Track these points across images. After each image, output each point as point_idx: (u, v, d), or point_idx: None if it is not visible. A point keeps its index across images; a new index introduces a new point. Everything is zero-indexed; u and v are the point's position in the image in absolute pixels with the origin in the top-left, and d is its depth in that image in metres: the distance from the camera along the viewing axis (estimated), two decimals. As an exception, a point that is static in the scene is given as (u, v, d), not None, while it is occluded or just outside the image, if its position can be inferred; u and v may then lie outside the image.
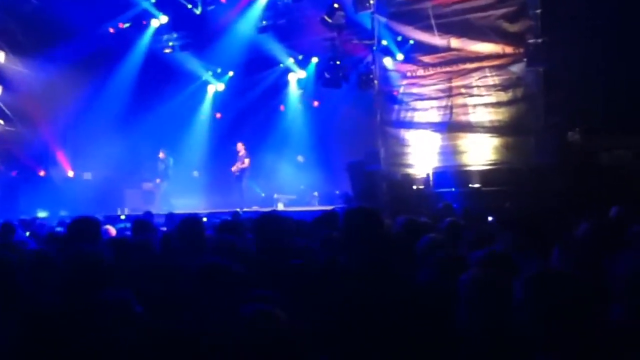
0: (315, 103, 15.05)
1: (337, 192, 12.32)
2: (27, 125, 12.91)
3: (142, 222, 5.59)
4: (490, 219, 5.80)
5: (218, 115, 15.85)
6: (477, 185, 9.20)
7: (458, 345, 2.11)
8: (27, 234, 6.49)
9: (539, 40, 9.02)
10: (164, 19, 13.89)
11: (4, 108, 12.86)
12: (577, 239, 2.94)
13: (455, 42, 9.79)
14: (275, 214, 4.17)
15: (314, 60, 14.59)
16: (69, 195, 12.02)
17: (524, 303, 1.84)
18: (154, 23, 14.04)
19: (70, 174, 13.77)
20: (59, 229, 6.50)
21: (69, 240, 3.72)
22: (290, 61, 15.02)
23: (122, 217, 9.99)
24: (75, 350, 2.24)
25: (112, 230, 5.85)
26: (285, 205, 13.27)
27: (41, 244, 5.11)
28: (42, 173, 13.28)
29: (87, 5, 12.60)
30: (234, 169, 13.01)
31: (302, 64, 15.07)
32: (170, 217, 7.95)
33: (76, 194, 12.23)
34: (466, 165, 9.58)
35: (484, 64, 9.56)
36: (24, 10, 12.69)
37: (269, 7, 13.42)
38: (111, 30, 13.94)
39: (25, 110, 12.74)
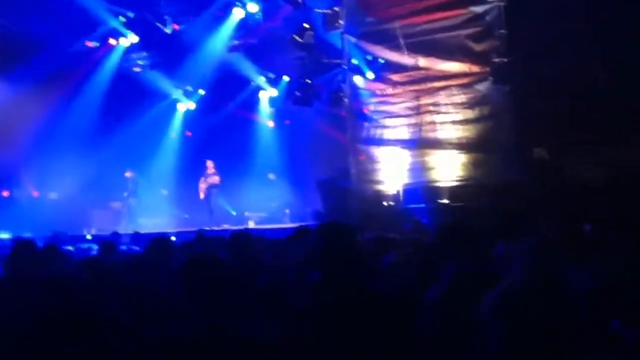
0: (287, 122, 15.11)
1: (309, 209, 12.32)
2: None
3: (109, 243, 5.53)
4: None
5: (188, 133, 15.75)
6: (445, 201, 9.31)
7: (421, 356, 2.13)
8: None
9: (504, 60, 9.25)
10: (133, 38, 13.82)
11: (-35, 127, 12.54)
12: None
13: (423, 61, 9.97)
14: (247, 232, 4.15)
15: (285, 78, 14.69)
16: (34, 216, 11.73)
17: (490, 319, 1.86)
18: (124, 42, 13.95)
19: (35, 194, 13.46)
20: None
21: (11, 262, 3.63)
22: (261, 79, 15.09)
23: (88, 237, 9.79)
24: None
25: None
26: (256, 223, 13.20)
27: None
28: (5, 193, 12.94)
29: (55, 23, 12.44)
30: (200, 188, 12.86)
31: (274, 83, 15.15)
32: (136, 236, 7.83)
33: (42, 214, 11.95)
34: (435, 182, 9.70)
35: (451, 82, 9.74)
36: (-11, 27, 12.47)
37: (239, 27, 13.52)
38: (79, 48, 13.77)
39: (-11, 128, 12.44)
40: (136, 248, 5.86)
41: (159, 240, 3.74)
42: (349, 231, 2.98)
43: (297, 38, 10.63)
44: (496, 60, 9.35)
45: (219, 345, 2.02)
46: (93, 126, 13.55)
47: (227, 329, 2.10)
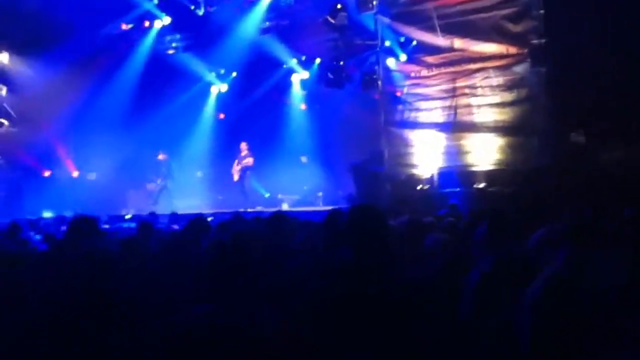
0: (318, 105, 15.08)
1: (341, 192, 12.32)
2: (31, 125, 12.94)
3: (146, 223, 5.65)
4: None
5: (221, 115, 15.88)
6: (481, 186, 9.21)
7: (461, 343, 2.12)
8: (33, 233, 6.52)
9: (542, 41, 9.02)
10: (166, 20, 13.95)
11: (8, 109, 12.91)
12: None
13: (458, 43, 9.79)
14: (284, 214, 4.19)
15: (317, 61, 14.62)
16: (74, 196, 12.05)
17: (532, 308, 1.84)
18: (157, 24, 14.10)
19: (75, 174, 13.82)
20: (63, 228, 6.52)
21: (69, 239, 3.74)
22: (293, 62, 15.03)
23: (127, 217, 10.01)
24: (85, 345, 2.24)
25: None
26: (289, 206, 13.28)
27: (46, 243, 5.14)
28: (47, 173, 13.33)
29: (90, 6, 12.64)
30: (234, 170, 13.00)
31: (306, 65, 15.08)
32: (174, 217, 7.97)
33: (81, 194, 12.27)
34: (471, 165, 9.58)
35: (488, 64, 9.56)
36: (26, 11, 12.73)
37: (271, 8, 13.46)
38: (115, 30, 13.98)
39: (29, 110, 12.77)
40: (175, 227, 5.99)
41: (197, 219, 3.81)
42: (379, 213, 2.96)
43: (330, 19, 10.55)
44: (534, 41, 9.13)
45: (241, 330, 2.03)
46: (128, 107, 13.78)
47: (248, 313, 2.12)
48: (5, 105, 12.89)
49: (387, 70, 10.62)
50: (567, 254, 2.80)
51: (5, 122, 12.79)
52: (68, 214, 8.62)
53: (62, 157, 13.61)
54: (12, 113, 12.92)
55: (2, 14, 12.54)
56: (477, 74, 9.67)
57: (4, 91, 12.82)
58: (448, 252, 3.37)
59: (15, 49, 12.88)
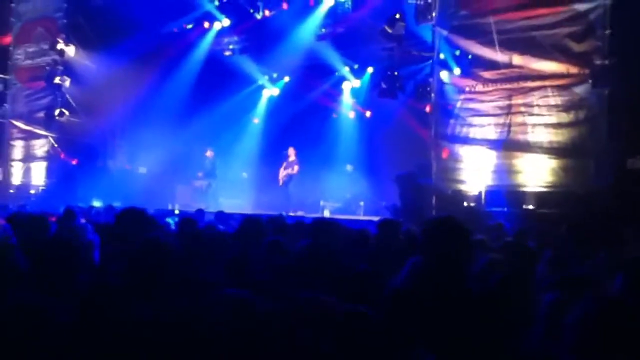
0: (368, 113, 15.05)
1: (384, 203, 12.24)
2: (89, 116, 13.42)
3: (189, 220, 5.69)
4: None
5: (255, 120, 16.07)
6: (531, 207, 8.96)
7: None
8: (83, 221, 6.71)
9: (606, 62, 8.73)
10: (226, 22, 14.24)
11: (70, 99, 13.43)
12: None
13: (517, 59, 9.56)
14: (331, 220, 4.19)
15: (369, 70, 14.61)
16: (124, 188, 12.39)
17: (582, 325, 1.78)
18: (216, 25, 14.41)
19: (127, 166, 14.23)
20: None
21: (119, 229, 3.82)
22: (345, 70, 15.09)
23: (176, 211, 10.22)
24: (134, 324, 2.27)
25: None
26: (330, 213, 13.28)
27: (98, 231, 5.28)
28: (101, 164, 13.78)
29: (153, 4, 13.03)
30: (280, 174, 13.10)
31: (357, 73, 15.11)
32: (220, 215, 8.08)
33: (131, 186, 12.61)
34: (521, 186, 9.32)
35: (547, 83, 9.28)
36: (93, 6, 13.25)
37: (328, 15, 13.55)
38: (175, 30, 14.36)
39: (89, 102, 13.25)
40: (221, 227, 6.05)
41: (253, 219, 3.85)
42: (466, 231, 2.88)
43: (387, 29, 10.50)
44: (598, 62, 8.84)
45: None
46: (183, 105, 14.11)
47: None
48: (67, 96, 13.41)
49: (441, 83, 10.48)
50: (629, 280, 2.69)
51: (67, 112, 13.30)
52: (117, 204, 8.87)
53: (116, 149, 14.04)
54: (73, 104, 13.43)
55: (75, 9, 13.11)
56: (535, 92, 9.40)
57: (67, 82, 13.35)
58: (501, 272, 3.28)
59: (82, 43, 13.41)
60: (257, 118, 16.19)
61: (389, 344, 1.97)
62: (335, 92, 15.57)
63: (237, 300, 2.07)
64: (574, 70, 9.07)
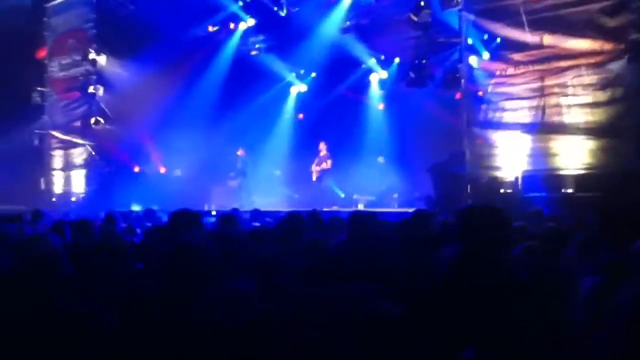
0: (381, 106, 14.96)
1: (417, 194, 12.14)
2: (123, 123, 13.72)
3: (228, 217, 5.77)
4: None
5: (300, 115, 16.12)
6: (570, 191, 8.74)
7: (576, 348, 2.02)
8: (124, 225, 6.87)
9: (643, 35, 8.43)
10: (251, 21, 14.34)
11: (104, 107, 13.76)
12: None
13: (548, 39, 9.31)
14: (369, 213, 4.20)
15: (396, 60, 14.49)
16: (161, 191, 12.63)
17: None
18: (242, 26, 14.52)
19: (162, 170, 14.51)
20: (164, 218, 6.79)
21: (171, 231, 3.90)
22: (372, 61, 15.01)
23: (213, 212, 10.37)
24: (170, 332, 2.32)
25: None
26: (365, 206, 13.25)
27: (141, 235, 5.41)
28: (136, 169, 14.08)
29: (179, 9, 13.24)
30: (313, 170, 13.13)
31: (384, 64, 15.01)
32: (255, 213, 8.16)
33: (167, 189, 12.85)
34: (558, 169, 9.08)
35: (580, 61, 9.01)
36: (120, 15, 13.52)
37: (352, 8, 13.48)
38: (202, 33, 14.53)
39: (122, 109, 13.54)
40: (256, 224, 6.11)
41: (293, 216, 3.88)
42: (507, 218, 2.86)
43: (413, 17, 10.39)
44: (633, 36, 8.53)
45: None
46: (213, 107, 14.28)
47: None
48: (102, 104, 13.74)
49: (471, 68, 10.30)
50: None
51: (102, 120, 13.63)
52: (155, 208, 9.05)
53: (151, 153, 14.32)
54: (108, 112, 13.75)
55: (103, 19, 13.41)
56: (568, 72, 9.14)
57: (100, 91, 13.67)
58: (539, 259, 3.23)
59: (112, 51, 13.70)
60: (287, 115, 16.26)
61: (407, 345, 1.94)
62: (363, 84, 15.50)
63: (239, 294, 2.08)
64: (608, 46, 8.79)
